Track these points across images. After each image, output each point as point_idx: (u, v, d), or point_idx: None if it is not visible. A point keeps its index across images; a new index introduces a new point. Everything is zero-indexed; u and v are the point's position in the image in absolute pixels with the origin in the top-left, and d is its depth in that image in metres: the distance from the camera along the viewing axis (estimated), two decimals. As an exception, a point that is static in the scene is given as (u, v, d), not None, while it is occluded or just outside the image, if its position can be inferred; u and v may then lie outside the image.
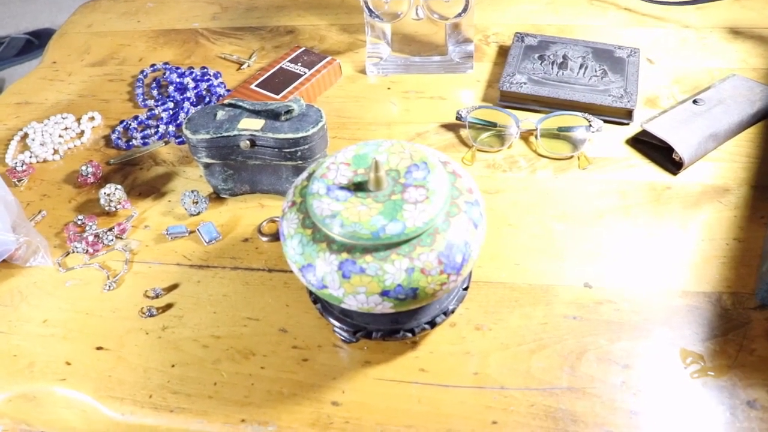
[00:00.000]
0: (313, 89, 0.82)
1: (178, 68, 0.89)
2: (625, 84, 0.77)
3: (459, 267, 0.48)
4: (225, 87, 0.86)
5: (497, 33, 0.92)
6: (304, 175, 0.53)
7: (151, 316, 0.61)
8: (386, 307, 0.47)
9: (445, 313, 0.54)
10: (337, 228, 0.47)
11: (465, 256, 0.48)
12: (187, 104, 0.83)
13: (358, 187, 0.49)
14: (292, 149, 0.65)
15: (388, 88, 0.85)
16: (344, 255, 0.47)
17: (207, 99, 0.84)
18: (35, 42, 2.12)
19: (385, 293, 0.46)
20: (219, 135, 0.65)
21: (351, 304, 0.47)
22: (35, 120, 0.84)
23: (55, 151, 0.80)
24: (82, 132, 0.83)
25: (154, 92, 0.87)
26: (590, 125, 0.72)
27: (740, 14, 0.92)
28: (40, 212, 0.72)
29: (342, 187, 0.49)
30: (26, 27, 2.23)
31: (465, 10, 0.78)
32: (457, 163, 0.54)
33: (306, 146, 0.65)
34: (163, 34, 0.99)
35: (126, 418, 0.55)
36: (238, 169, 0.69)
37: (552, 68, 0.80)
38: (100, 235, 0.68)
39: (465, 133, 0.76)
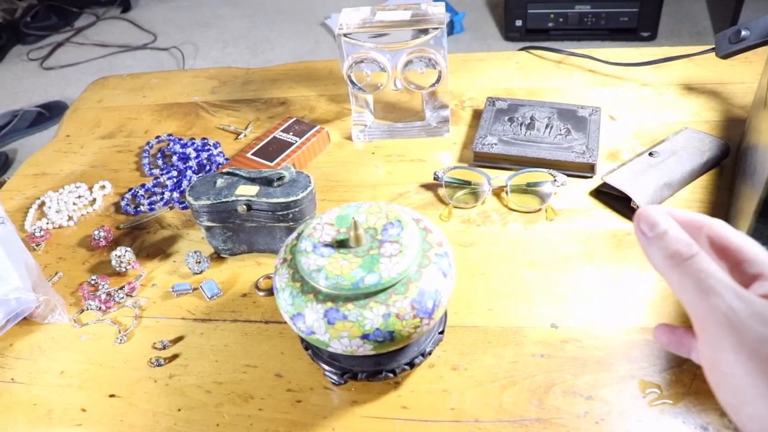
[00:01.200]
0: (304, 156, 0.88)
1: (180, 139, 0.95)
2: (587, 141, 0.84)
3: (430, 312, 0.54)
4: (224, 156, 0.92)
5: (472, 98, 0.98)
6: (294, 234, 0.60)
7: (159, 365, 0.65)
8: (367, 349, 0.53)
9: (423, 355, 0.60)
10: (322, 281, 0.52)
11: (436, 302, 0.54)
12: (189, 173, 0.89)
13: (341, 244, 0.55)
14: (284, 212, 0.71)
15: (373, 153, 0.90)
16: (329, 304, 0.52)
17: (207, 167, 0.89)
18: (46, 114, 2.22)
19: (365, 336, 0.52)
20: (218, 201, 0.71)
21: (336, 347, 0.53)
22: (51, 189, 0.90)
23: (70, 218, 0.85)
24: (94, 200, 0.88)
25: (159, 162, 0.92)
26: (555, 180, 0.79)
27: (694, 72, 0.98)
28: (56, 273, 0.77)
29: (326, 245, 0.55)
30: (38, 100, 2.34)
31: (438, 80, 0.84)
32: (429, 220, 0.60)
33: (296, 209, 0.70)
34: (166, 107, 1.05)
35: (137, 460, 0.59)
36: (237, 231, 0.74)
37: (520, 129, 0.87)
38: (112, 294, 0.73)
39: (442, 191, 0.82)
